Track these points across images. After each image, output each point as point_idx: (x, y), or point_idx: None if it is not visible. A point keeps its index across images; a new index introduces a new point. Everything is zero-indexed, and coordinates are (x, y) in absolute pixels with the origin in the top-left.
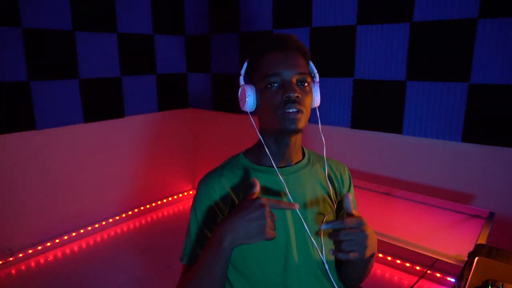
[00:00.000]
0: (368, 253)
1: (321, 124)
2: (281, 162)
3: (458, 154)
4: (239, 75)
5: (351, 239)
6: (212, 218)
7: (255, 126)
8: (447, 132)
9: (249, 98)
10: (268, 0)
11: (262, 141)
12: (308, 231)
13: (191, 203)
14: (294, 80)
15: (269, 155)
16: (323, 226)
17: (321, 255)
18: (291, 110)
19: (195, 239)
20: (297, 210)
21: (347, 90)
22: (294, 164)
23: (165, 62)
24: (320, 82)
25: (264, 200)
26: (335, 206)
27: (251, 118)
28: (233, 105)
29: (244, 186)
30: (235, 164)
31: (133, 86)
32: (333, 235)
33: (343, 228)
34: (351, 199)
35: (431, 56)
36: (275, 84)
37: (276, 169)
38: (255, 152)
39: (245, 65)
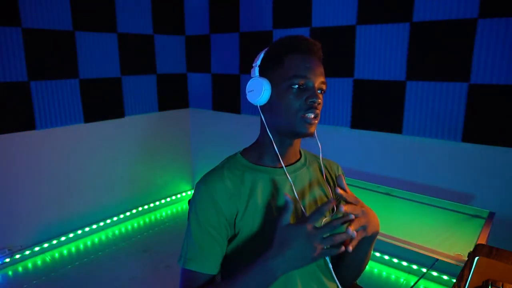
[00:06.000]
0: (370, 230)
1: (321, 124)
2: (283, 161)
3: (458, 154)
4: (249, 71)
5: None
6: (215, 219)
7: (264, 122)
8: (447, 132)
9: (265, 92)
10: (268, 0)
11: (272, 138)
12: None
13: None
14: (316, 86)
15: (278, 153)
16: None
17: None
18: (312, 115)
19: (199, 242)
20: (302, 208)
21: (347, 90)
22: (293, 163)
23: (165, 62)
24: None
25: (311, 225)
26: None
27: (261, 114)
28: (233, 105)
29: (246, 187)
30: (233, 165)
31: (133, 86)
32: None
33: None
34: (343, 179)
35: (431, 56)
36: (300, 87)
37: (284, 167)
38: (253, 152)
39: (261, 57)
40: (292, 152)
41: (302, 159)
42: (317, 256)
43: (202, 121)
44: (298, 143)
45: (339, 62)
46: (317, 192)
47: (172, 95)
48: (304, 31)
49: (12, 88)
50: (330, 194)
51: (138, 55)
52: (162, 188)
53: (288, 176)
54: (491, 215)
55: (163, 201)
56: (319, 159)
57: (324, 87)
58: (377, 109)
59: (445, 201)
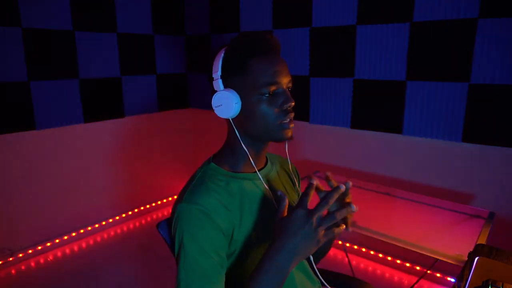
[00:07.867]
0: None
1: (321, 124)
2: (256, 166)
3: (458, 154)
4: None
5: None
6: (217, 240)
7: (238, 135)
8: (447, 132)
9: (236, 106)
10: (268, 0)
11: (245, 149)
12: None
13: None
14: (285, 88)
15: (252, 162)
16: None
17: None
18: (288, 120)
19: (205, 272)
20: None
21: (347, 90)
22: (264, 167)
23: (165, 62)
24: (320, 82)
25: (303, 208)
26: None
27: (234, 126)
28: None
29: (236, 198)
30: (214, 176)
31: (133, 86)
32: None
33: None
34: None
35: (431, 56)
36: (271, 93)
37: (259, 174)
38: (228, 159)
39: (220, 65)
40: (263, 155)
41: (268, 161)
42: (321, 238)
43: (202, 121)
44: (268, 145)
45: (339, 62)
46: (289, 188)
47: (172, 95)
48: (304, 31)
49: (12, 88)
50: (298, 187)
51: (138, 55)
52: (162, 188)
53: (263, 180)
54: (491, 215)
55: (163, 201)
56: (277, 157)
57: (291, 85)
58: (377, 109)
59: (445, 201)
